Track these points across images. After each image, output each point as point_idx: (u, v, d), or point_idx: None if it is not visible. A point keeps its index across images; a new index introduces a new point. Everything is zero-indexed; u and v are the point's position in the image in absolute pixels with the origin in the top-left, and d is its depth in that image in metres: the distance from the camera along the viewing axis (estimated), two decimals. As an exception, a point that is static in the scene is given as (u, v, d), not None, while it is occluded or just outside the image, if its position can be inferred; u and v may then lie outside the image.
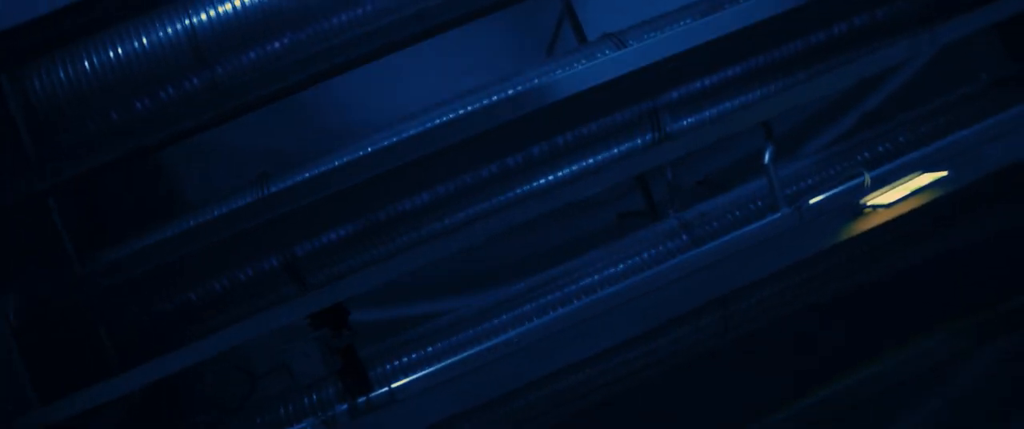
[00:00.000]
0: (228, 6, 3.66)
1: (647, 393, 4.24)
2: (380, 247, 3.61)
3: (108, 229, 4.03)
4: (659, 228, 4.37)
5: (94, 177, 3.70)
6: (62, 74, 3.69)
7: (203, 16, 3.66)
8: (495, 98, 3.87)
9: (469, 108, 3.79)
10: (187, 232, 3.55)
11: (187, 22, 3.65)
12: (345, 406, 2.98)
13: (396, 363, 3.71)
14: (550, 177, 3.93)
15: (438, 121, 3.78)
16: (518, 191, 3.85)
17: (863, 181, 3.78)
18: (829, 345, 4.90)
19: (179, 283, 3.67)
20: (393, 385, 3.27)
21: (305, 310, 3.35)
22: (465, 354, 3.32)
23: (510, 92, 3.78)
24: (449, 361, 3.35)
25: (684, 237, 4.23)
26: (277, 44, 3.81)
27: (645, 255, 4.21)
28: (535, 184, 3.88)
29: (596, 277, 4.07)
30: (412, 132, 3.67)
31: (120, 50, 3.69)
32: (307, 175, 3.51)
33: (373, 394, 3.24)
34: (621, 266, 4.08)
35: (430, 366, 3.38)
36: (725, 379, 4.61)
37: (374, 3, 3.73)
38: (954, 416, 4.82)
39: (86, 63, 3.65)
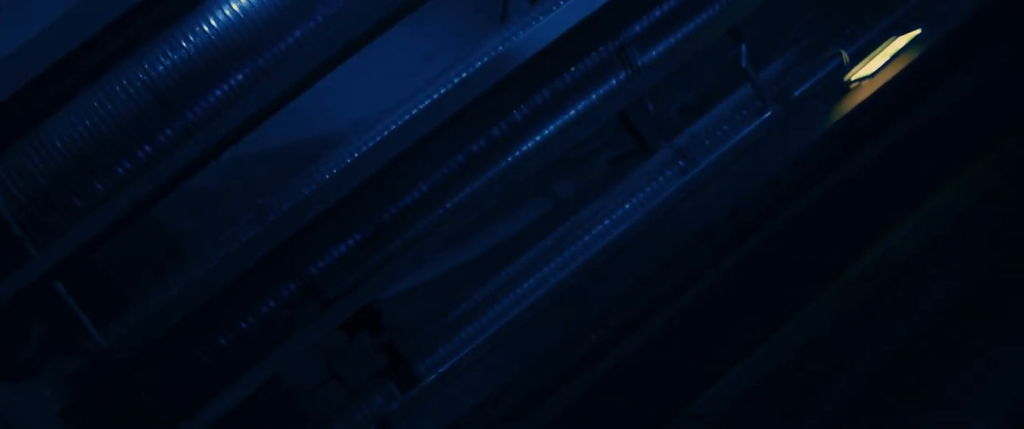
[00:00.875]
0: (182, 52, 3.64)
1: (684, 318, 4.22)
2: (392, 245, 3.66)
3: (117, 291, 4.01)
4: (654, 161, 4.36)
5: (92, 248, 3.69)
6: (37, 161, 3.65)
7: (160, 67, 3.63)
8: (465, 74, 3.85)
9: (442, 90, 3.80)
10: (201, 280, 3.53)
11: (145, 77, 3.62)
12: (395, 404, 2.98)
13: (436, 350, 3.75)
14: (537, 137, 3.89)
15: (416, 109, 3.76)
16: (510, 159, 3.83)
17: (841, 60, 3.77)
18: (841, 234, 4.88)
19: (206, 332, 3.68)
20: (441, 370, 3.28)
21: (336, 321, 3.35)
22: (503, 320, 3.32)
23: (478, 65, 3.74)
24: (488, 332, 3.35)
25: (680, 162, 4.22)
26: (240, 76, 3.80)
27: (648, 189, 4.21)
28: (525, 147, 3.84)
29: (607, 222, 4.06)
30: (395, 126, 3.66)
31: (88, 121, 3.64)
32: (305, 192, 3.52)
33: (424, 383, 3.23)
34: (627, 205, 4.07)
35: (469, 345, 3.40)
36: (752, 286, 4.57)
37: (324, 9, 3.71)
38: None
39: (57, 141, 3.61)
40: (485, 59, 3.75)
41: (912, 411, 4.46)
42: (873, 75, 3.77)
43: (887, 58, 3.83)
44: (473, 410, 3.00)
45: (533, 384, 3.48)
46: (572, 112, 3.89)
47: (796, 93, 3.70)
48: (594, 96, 3.95)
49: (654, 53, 3.94)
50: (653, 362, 4.18)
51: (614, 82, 3.94)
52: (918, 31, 3.87)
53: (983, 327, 4.62)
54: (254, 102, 3.69)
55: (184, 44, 3.52)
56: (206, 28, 3.60)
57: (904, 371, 4.67)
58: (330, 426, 3.44)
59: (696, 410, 3.97)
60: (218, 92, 3.64)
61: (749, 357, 4.31)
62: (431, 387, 2.80)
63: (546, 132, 3.84)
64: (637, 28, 3.88)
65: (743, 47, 3.71)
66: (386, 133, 3.66)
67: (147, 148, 3.63)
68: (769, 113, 3.71)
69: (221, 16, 3.65)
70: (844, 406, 4.65)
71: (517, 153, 3.73)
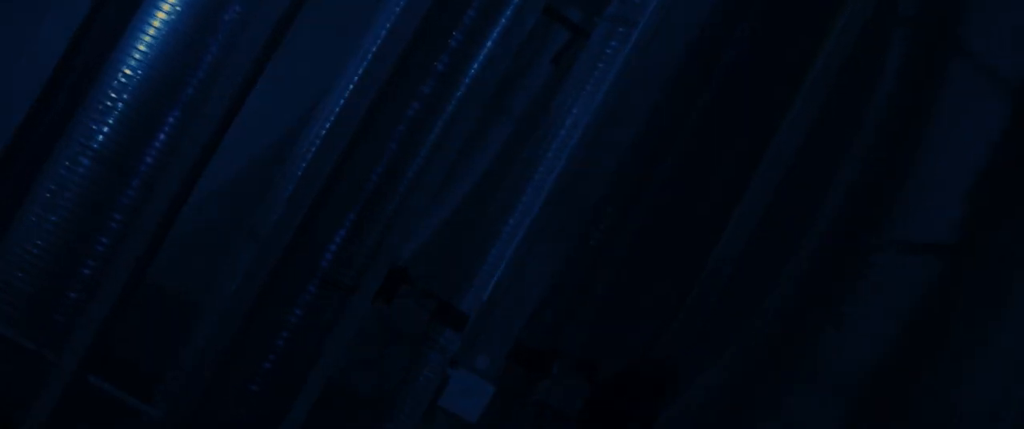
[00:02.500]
0: (112, 111, 3.51)
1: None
2: (386, 210, 3.44)
3: (144, 356, 3.94)
4: (595, 39, 4.32)
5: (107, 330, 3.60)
6: (19, 273, 3.52)
7: (99, 137, 3.50)
8: (388, 24, 3.77)
9: (373, 49, 3.71)
10: (224, 317, 3.44)
11: (87, 151, 3.51)
12: (456, 343, 2.96)
13: (472, 283, 3.72)
14: (479, 58, 3.86)
15: (356, 76, 3.67)
16: (461, 89, 3.78)
17: None
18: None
19: (248, 363, 3.59)
20: (483, 297, 3.27)
21: (366, 301, 3.30)
22: (519, 231, 3.30)
23: (397, 9, 3.63)
24: (511, 246, 3.33)
25: (620, 29, 4.18)
26: (171, 117, 3.69)
27: (601, 65, 4.16)
28: (470, 71, 3.56)
29: (574, 111, 4.01)
30: (342, 100, 3.58)
31: (54, 217, 3.52)
32: (285, 194, 3.43)
33: (473, 315, 3.24)
34: (588, 86, 4.03)
35: (499, 266, 3.39)
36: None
37: (227, 27, 3.60)
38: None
39: (32, 248, 3.50)
40: (403, 3, 3.68)
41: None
42: None
43: None
44: (529, 322, 2.98)
45: (574, 275, 3.46)
46: (503, 21, 3.83)
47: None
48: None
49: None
50: (677, 210, 4.18)
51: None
52: None
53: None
54: (203, 128, 3.58)
55: (113, 98, 3.41)
56: (124, 77, 3.49)
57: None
58: (405, 386, 3.43)
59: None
60: (162, 136, 3.55)
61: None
62: (481, 316, 2.78)
63: (486, 48, 3.78)
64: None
65: None
66: (337, 110, 3.59)
67: (117, 217, 3.54)
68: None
69: (134, 63, 3.54)
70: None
71: (466, 80, 3.58)
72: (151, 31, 3.39)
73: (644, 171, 3.65)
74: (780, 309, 4.57)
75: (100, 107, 3.38)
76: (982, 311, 4.41)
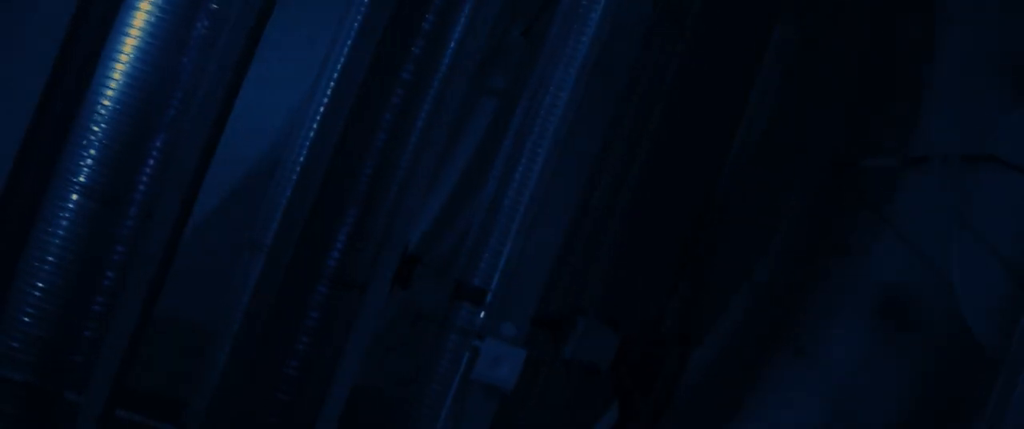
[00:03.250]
0: (95, 144, 3.46)
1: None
2: (387, 201, 3.43)
3: (166, 384, 3.89)
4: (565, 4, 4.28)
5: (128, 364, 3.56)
6: (27, 317, 3.49)
7: (85, 170, 3.45)
8: (360, 18, 3.75)
9: (349, 42, 3.67)
10: (241, 332, 3.42)
11: (76, 186, 3.46)
12: (479, 319, 2.94)
13: (482, 256, 3.69)
14: (455, 36, 3.82)
15: (337, 72, 3.67)
16: (441, 69, 3.74)
17: None
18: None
19: (273, 372, 3.56)
20: (499, 269, 3.25)
21: (382, 294, 3.27)
22: (523, 198, 3.28)
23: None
24: (517, 215, 3.31)
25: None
26: (158, 140, 3.65)
27: (574, 28, 4.11)
28: (449, 49, 3.50)
29: (558, 71, 3.96)
30: (326, 99, 3.55)
31: (51, 257, 3.48)
32: (283, 200, 3.41)
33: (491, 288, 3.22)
34: (568, 48, 3.98)
35: (508, 234, 3.36)
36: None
37: (198, 43, 3.55)
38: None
39: (35, 291, 3.46)
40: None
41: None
42: None
43: None
44: (549, 283, 2.97)
45: (581, 237, 3.44)
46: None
47: None
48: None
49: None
50: (670, 159, 4.18)
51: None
52: None
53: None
54: (191, 147, 3.53)
55: (95, 131, 3.36)
56: (103, 108, 3.44)
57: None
58: (436, 363, 3.41)
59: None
60: (151, 161, 3.50)
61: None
62: (501, 286, 2.76)
63: (459, 26, 3.75)
64: None
65: None
66: (322, 109, 3.56)
67: (119, 248, 3.50)
68: None
69: (110, 92, 3.49)
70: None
71: (445, 61, 3.51)
72: (123, 57, 3.35)
73: (633, 126, 3.64)
74: (782, 249, 4.58)
75: (83, 141, 3.34)
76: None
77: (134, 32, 3.30)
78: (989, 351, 4.31)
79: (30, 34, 2.90)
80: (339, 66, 3.48)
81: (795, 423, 4.47)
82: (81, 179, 3.27)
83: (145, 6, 3.31)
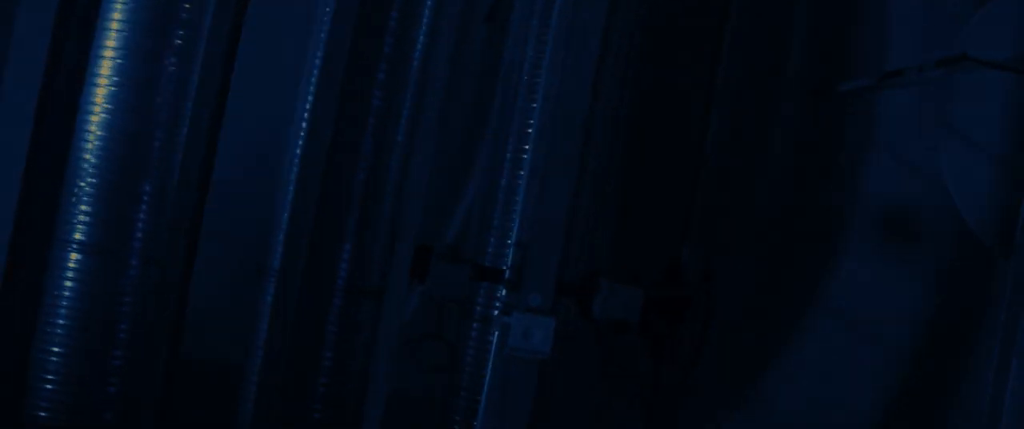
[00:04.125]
0: (87, 200, 3.40)
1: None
2: (386, 199, 3.37)
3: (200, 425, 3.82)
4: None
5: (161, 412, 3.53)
6: (54, 380, 3.41)
7: (80, 226, 3.40)
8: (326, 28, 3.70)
9: (320, 53, 3.56)
10: (265, 360, 3.36)
11: (74, 244, 3.41)
12: (500, 298, 2.90)
13: (490, 235, 3.55)
14: (422, 28, 3.52)
15: (312, 86, 3.60)
16: (419, 47, 3.54)
17: None
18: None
19: (304, 392, 3.49)
20: (510, 242, 3.23)
21: (401, 297, 3.25)
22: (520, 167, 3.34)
23: (329, 9, 3.45)
24: (519, 188, 3.32)
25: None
26: (148, 185, 3.60)
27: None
28: (423, 26, 3.51)
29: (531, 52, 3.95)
30: (306, 114, 3.52)
31: (62, 320, 3.43)
32: (284, 218, 3.40)
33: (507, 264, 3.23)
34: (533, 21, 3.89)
35: (513, 208, 3.39)
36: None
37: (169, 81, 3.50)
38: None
39: (52, 356, 3.40)
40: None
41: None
42: None
43: None
44: (569, 249, 2.94)
45: (585, 201, 3.40)
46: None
47: None
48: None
49: None
50: (659, 112, 4.17)
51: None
52: None
53: None
54: (185, 186, 3.46)
55: (82, 186, 3.32)
56: (86, 163, 3.39)
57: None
58: (467, 347, 3.40)
59: None
60: (148, 187, 3.44)
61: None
62: (518, 259, 2.73)
63: (425, 20, 3.73)
64: None
65: None
66: (305, 125, 3.51)
67: (127, 299, 3.46)
68: None
69: (90, 145, 3.44)
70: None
71: (421, 38, 3.49)
72: (97, 108, 3.31)
73: (614, 83, 3.63)
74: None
75: (73, 198, 3.30)
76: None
77: (103, 81, 3.26)
78: (993, 251, 4.34)
79: (9, 90, 2.86)
80: (314, 80, 3.44)
81: (818, 357, 4.49)
82: (77, 236, 3.22)
83: (110, 53, 3.28)
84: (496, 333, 2.64)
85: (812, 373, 4.46)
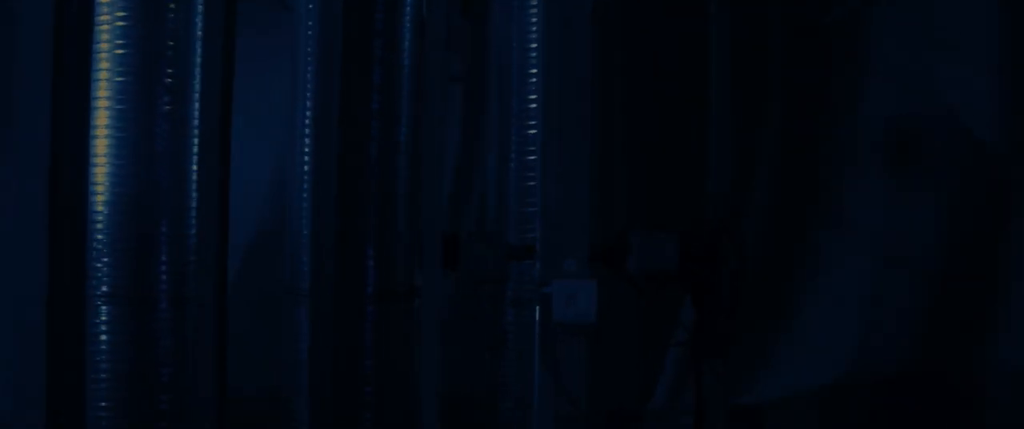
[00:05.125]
0: (106, 252, 3.37)
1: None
2: (401, 186, 3.37)
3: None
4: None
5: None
6: None
7: (106, 280, 3.38)
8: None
9: (310, 70, 3.60)
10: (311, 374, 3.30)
11: (99, 294, 3.39)
12: (535, 266, 2.86)
13: (510, 206, 3.52)
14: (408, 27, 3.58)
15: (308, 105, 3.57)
16: (406, 36, 3.56)
17: None
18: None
19: (351, 404, 3.55)
20: (530, 227, 3.26)
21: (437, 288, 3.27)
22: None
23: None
24: (527, 160, 3.37)
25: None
26: (164, 226, 3.59)
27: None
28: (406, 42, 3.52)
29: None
30: (308, 130, 3.51)
31: (105, 374, 3.41)
32: (305, 231, 3.41)
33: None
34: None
35: (526, 179, 3.44)
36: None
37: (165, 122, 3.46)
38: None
39: (102, 406, 3.37)
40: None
41: None
42: None
43: None
44: (593, 214, 2.90)
45: (597, 163, 3.35)
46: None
47: None
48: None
49: None
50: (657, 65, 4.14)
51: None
52: None
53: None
54: (207, 224, 3.43)
55: (100, 239, 3.30)
56: (99, 215, 3.37)
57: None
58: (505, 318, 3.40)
59: None
60: (163, 248, 3.43)
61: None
62: (548, 230, 2.70)
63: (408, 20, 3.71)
64: None
65: None
66: (308, 145, 3.50)
67: (164, 342, 3.43)
68: None
69: (101, 196, 3.41)
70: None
71: (406, 23, 3.48)
72: (101, 159, 3.29)
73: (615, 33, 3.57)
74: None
75: (93, 251, 3.28)
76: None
77: (102, 131, 3.23)
78: (1000, 159, 4.33)
79: (20, 146, 2.81)
80: (309, 101, 3.41)
81: (848, 285, 4.48)
82: (103, 289, 3.19)
83: (103, 103, 3.26)
84: (537, 309, 2.62)
85: (844, 301, 4.46)
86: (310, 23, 3.38)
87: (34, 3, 2.89)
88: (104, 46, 3.28)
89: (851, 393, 4.34)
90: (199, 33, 3.40)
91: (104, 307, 3.30)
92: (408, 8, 3.49)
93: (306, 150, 3.37)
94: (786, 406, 4.29)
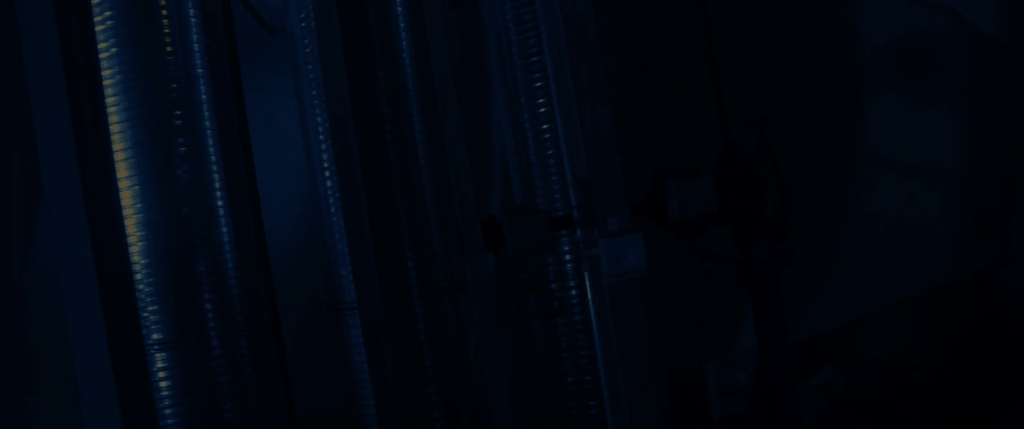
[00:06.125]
0: (151, 300, 3.41)
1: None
2: (422, 180, 3.36)
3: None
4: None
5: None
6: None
7: (155, 327, 3.44)
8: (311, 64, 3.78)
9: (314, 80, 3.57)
10: (375, 386, 3.32)
11: (157, 344, 3.40)
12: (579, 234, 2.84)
13: (536, 183, 3.50)
14: (403, 26, 3.53)
15: (319, 114, 3.47)
16: (401, 32, 3.55)
17: None
18: None
19: (417, 408, 3.39)
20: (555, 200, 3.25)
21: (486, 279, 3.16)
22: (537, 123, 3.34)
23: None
24: (544, 137, 3.33)
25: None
26: (201, 265, 3.58)
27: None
28: (404, 42, 3.52)
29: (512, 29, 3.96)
30: (322, 125, 3.47)
31: (172, 420, 3.43)
32: (340, 246, 3.29)
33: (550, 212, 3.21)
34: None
35: (546, 150, 3.36)
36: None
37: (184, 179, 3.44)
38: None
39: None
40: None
41: None
42: None
43: None
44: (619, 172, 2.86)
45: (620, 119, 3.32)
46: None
47: None
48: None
49: None
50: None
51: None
52: None
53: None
54: (246, 255, 3.42)
55: (143, 289, 3.32)
56: (138, 265, 3.39)
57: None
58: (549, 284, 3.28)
59: None
60: (205, 286, 3.45)
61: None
62: (583, 193, 2.68)
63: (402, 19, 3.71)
64: None
65: None
66: (325, 154, 3.55)
67: (223, 380, 3.43)
68: None
69: (137, 245, 3.43)
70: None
71: (401, 23, 3.45)
72: (129, 211, 3.31)
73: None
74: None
75: (139, 301, 3.31)
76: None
77: (125, 182, 3.26)
78: (1010, 51, 4.29)
79: (55, 210, 2.83)
80: (319, 116, 3.41)
81: (883, 208, 4.46)
82: (155, 337, 3.22)
83: (120, 155, 3.29)
84: (587, 273, 2.61)
85: (882, 224, 4.44)
86: (306, 41, 3.38)
87: (43, 60, 2.91)
88: (112, 99, 3.31)
89: (897, 313, 4.33)
90: (200, 71, 3.41)
91: (159, 354, 3.33)
92: (399, 7, 3.49)
93: (326, 165, 3.38)
94: (839, 337, 4.28)
